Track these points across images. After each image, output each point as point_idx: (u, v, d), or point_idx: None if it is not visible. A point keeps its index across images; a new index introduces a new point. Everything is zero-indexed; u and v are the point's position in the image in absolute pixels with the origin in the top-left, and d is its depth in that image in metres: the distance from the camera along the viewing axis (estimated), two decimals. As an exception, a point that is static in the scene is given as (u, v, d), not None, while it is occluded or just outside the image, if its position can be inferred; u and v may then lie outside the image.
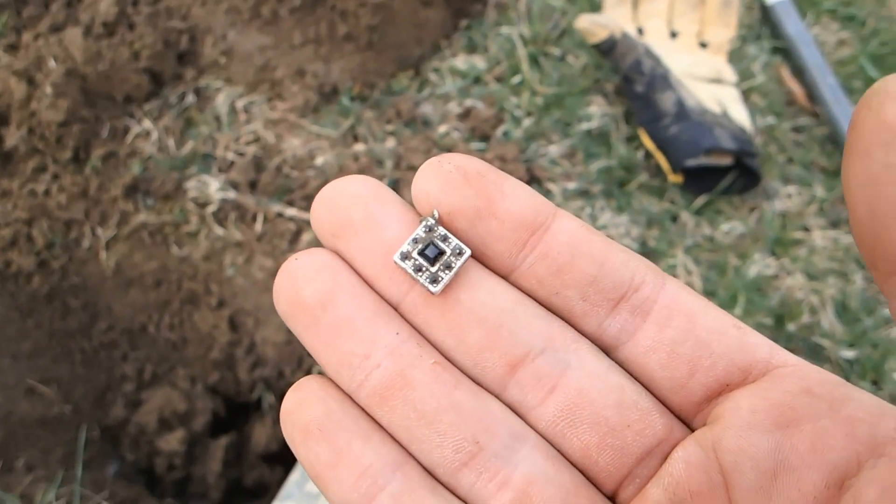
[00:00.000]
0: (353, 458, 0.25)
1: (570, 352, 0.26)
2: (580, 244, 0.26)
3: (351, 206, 0.26)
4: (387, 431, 0.26)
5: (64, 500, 0.86)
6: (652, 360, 0.26)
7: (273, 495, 0.96)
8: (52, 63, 1.06)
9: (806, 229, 1.18)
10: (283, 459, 1.02)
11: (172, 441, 0.97)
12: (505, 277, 0.27)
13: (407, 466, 0.25)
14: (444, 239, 0.26)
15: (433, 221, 0.26)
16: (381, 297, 0.27)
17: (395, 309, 0.27)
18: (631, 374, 0.27)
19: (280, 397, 1.04)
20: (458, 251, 0.26)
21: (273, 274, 1.04)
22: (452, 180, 0.25)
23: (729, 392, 0.25)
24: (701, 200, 1.16)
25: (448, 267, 0.26)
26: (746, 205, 1.19)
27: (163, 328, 1.05)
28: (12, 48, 1.11)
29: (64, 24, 1.11)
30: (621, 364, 0.27)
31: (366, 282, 0.27)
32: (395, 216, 0.26)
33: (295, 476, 0.63)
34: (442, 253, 0.26)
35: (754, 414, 0.24)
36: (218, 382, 1.04)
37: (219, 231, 1.05)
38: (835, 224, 1.20)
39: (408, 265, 0.26)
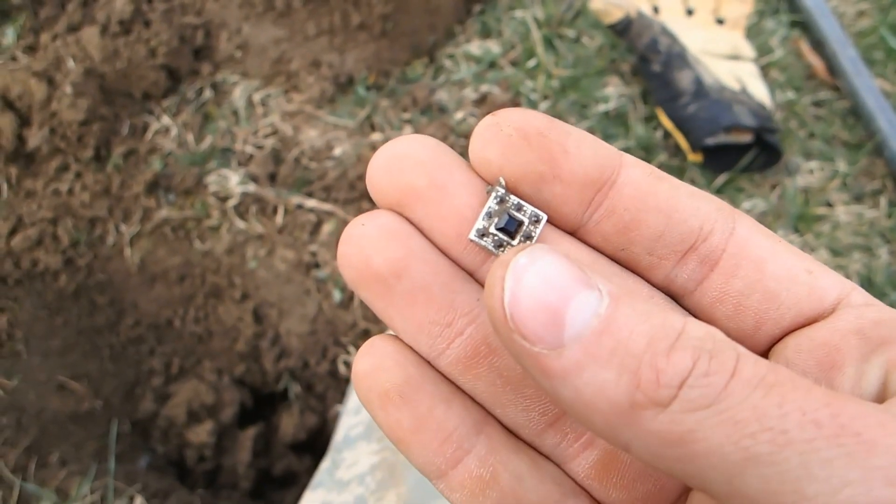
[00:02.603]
0: (437, 423, 0.25)
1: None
2: (647, 197, 0.25)
3: (413, 171, 0.25)
4: (467, 393, 0.26)
5: (98, 494, 0.87)
6: (719, 311, 0.25)
7: (302, 484, 0.97)
8: (70, 63, 1.07)
9: (829, 205, 1.17)
10: (311, 448, 1.03)
11: (201, 433, 0.99)
12: (571, 234, 0.26)
13: (488, 427, 0.25)
14: (519, 208, 0.25)
15: (503, 191, 0.25)
16: (456, 263, 0.26)
17: (472, 276, 0.26)
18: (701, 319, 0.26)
19: (305, 387, 1.05)
20: (535, 218, 0.25)
21: (295, 265, 1.04)
22: (513, 145, 0.24)
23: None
24: (722, 178, 1.15)
25: (528, 237, 0.25)
26: (768, 181, 1.18)
27: (188, 322, 1.06)
28: (31, 49, 1.12)
29: (80, 23, 1.12)
30: (689, 311, 0.26)
31: (437, 247, 0.26)
32: (461, 181, 0.25)
33: (326, 464, 0.64)
34: (520, 224, 0.25)
35: (799, 353, 0.24)
36: (244, 374, 1.05)
37: (240, 224, 1.06)
38: (858, 198, 1.18)
39: (487, 242, 0.25)
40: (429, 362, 0.26)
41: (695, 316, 0.26)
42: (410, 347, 0.25)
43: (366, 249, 0.25)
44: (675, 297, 0.26)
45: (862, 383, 0.22)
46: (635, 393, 0.18)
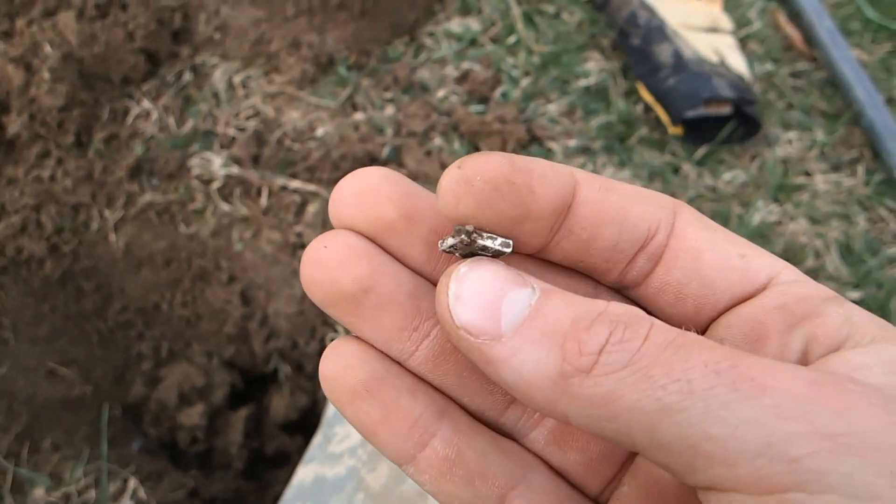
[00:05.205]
0: (403, 411, 0.26)
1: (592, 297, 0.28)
2: (600, 213, 0.26)
3: (383, 206, 0.26)
4: (429, 383, 0.28)
5: (92, 477, 0.88)
6: (661, 300, 0.27)
7: (294, 463, 0.98)
8: (47, 48, 1.06)
9: (808, 174, 1.18)
10: (302, 428, 1.04)
11: (193, 415, 0.99)
12: (533, 255, 0.28)
13: (451, 411, 0.27)
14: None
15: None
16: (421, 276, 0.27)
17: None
18: (645, 308, 0.28)
19: (295, 367, 1.05)
20: (506, 245, 0.26)
21: (281, 247, 1.05)
22: (486, 198, 0.25)
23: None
24: (702, 151, 1.16)
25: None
26: (748, 153, 1.19)
27: (176, 306, 1.06)
28: (7, 35, 1.11)
29: (56, 8, 1.11)
30: (636, 300, 0.28)
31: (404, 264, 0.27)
32: (427, 211, 0.27)
33: (318, 439, 0.65)
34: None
35: (728, 329, 0.26)
36: (234, 356, 1.06)
37: (225, 207, 1.06)
38: (836, 167, 1.20)
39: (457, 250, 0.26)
40: (399, 363, 0.27)
41: (640, 305, 0.28)
42: (372, 346, 0.27)
43: (332, 271, 0.26)
44: (623, 288, 0.28)
45: (784, 354, 0.24)
46: (563, 364, 0.21)
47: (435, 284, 0.27)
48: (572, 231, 0.26)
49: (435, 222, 0.27)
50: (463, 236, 0.25)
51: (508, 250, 0.26)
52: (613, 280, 0.28)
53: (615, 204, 0.26)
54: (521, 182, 0.25)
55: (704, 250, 0.27)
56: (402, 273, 0.27)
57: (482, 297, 0.23)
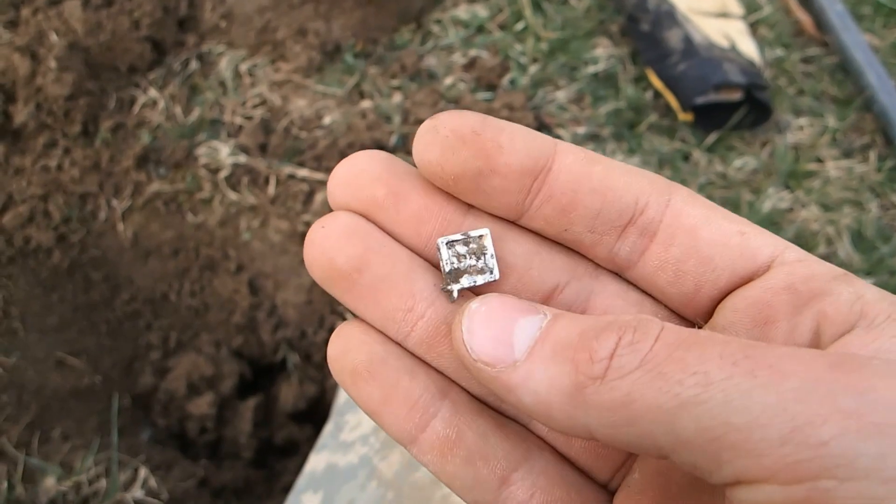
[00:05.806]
0: (403, 392, 0.27)
1: (591, 278, 0.28)
2: (581, 179, 0.26)
3: (372, 184, 0.27)
4: (432, 367, 0.28)
5: (102, 466, 0.88)
6: (660, 279, 0.27)
7: (303, 453, 0.98)
8: (53, 37, 1.05)
9: (819, 160, 1.17)
10: (311, 417, 1.04)
11: (202, 405, 0.99)
12: (514, 222, 0.28)
13: (452, 392, 0.27)
14: (482, 254, 0.27)
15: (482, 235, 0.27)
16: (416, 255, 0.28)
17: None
18: (645, 291, 0.28)
19: (304, 357, 1.05)
20: (490, 270, 0.27)
21: (289, 236, 1.04)
22: (450, 146, 0.26)
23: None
24: (712, 137, 1.15)
25: (474, 280, 0.27)
26: (758, 139, 1.18)
27: (184, 295, 1.06)
28: (12, 24, 1.10)
29: (61, -4, 1.10)
30: (634, 282, 0.28)
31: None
32: (414, 187, 0.27)
33: (329, 427, 0.65)
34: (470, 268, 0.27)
35: (735, 313, 0.26)
36: (242, 346, 1.06)
37: (232, 196, 1.05)
38: (848, 154, 1.19)
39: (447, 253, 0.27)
40: (397, 342, 0.28)
41: (639, 286, 0.28)
42: (375, 328, 0.28)
43: (328, 250, 0.27)
44: (620, 270, 0.28)
45: (794, 336, 0.24)
46: (576, 375, 0.21)
47: (430, 263, 0.28)
48: (552, 195, 0.26)
49: (425, 199, 0.27)
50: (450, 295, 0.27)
51: (495, 281, 0.27)
52: (605, 257, 0.28)
53: (598, 174, 0.26)
54: (488, 136, 0.26)
55: (702, 227, 0.26)
56: (399, 252, 0.27)
57: (494, 327, 0.23)
